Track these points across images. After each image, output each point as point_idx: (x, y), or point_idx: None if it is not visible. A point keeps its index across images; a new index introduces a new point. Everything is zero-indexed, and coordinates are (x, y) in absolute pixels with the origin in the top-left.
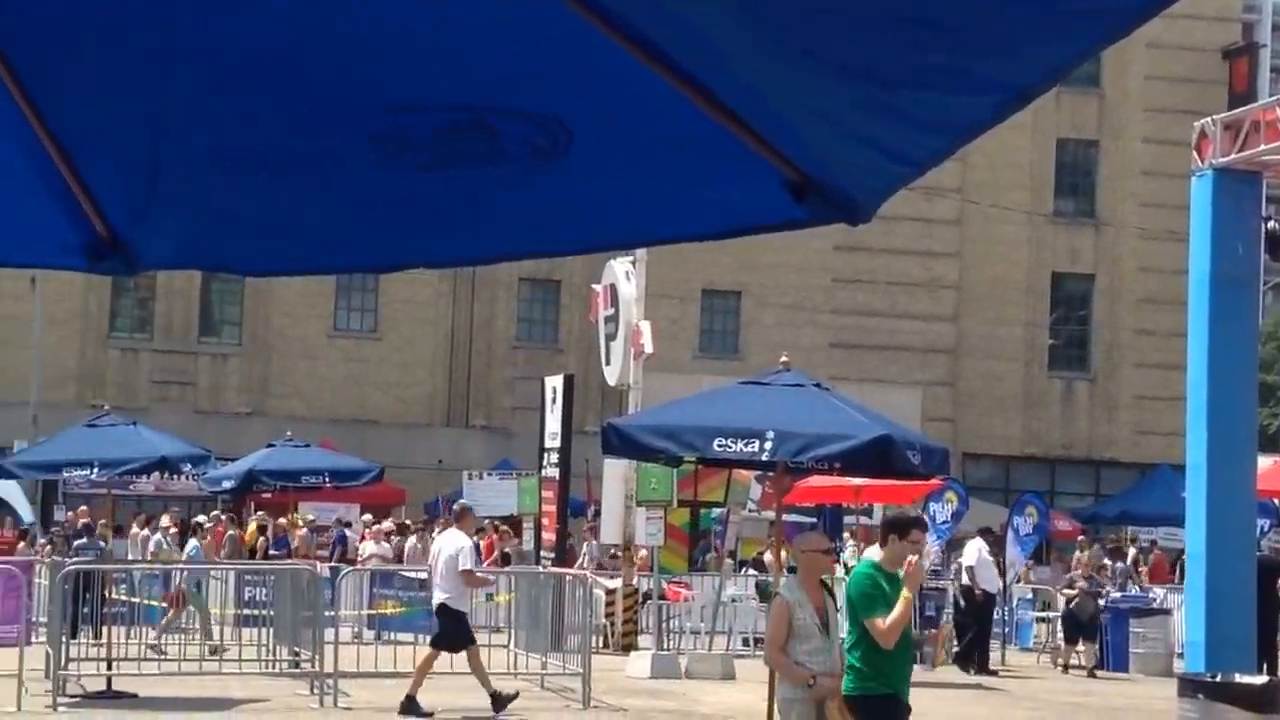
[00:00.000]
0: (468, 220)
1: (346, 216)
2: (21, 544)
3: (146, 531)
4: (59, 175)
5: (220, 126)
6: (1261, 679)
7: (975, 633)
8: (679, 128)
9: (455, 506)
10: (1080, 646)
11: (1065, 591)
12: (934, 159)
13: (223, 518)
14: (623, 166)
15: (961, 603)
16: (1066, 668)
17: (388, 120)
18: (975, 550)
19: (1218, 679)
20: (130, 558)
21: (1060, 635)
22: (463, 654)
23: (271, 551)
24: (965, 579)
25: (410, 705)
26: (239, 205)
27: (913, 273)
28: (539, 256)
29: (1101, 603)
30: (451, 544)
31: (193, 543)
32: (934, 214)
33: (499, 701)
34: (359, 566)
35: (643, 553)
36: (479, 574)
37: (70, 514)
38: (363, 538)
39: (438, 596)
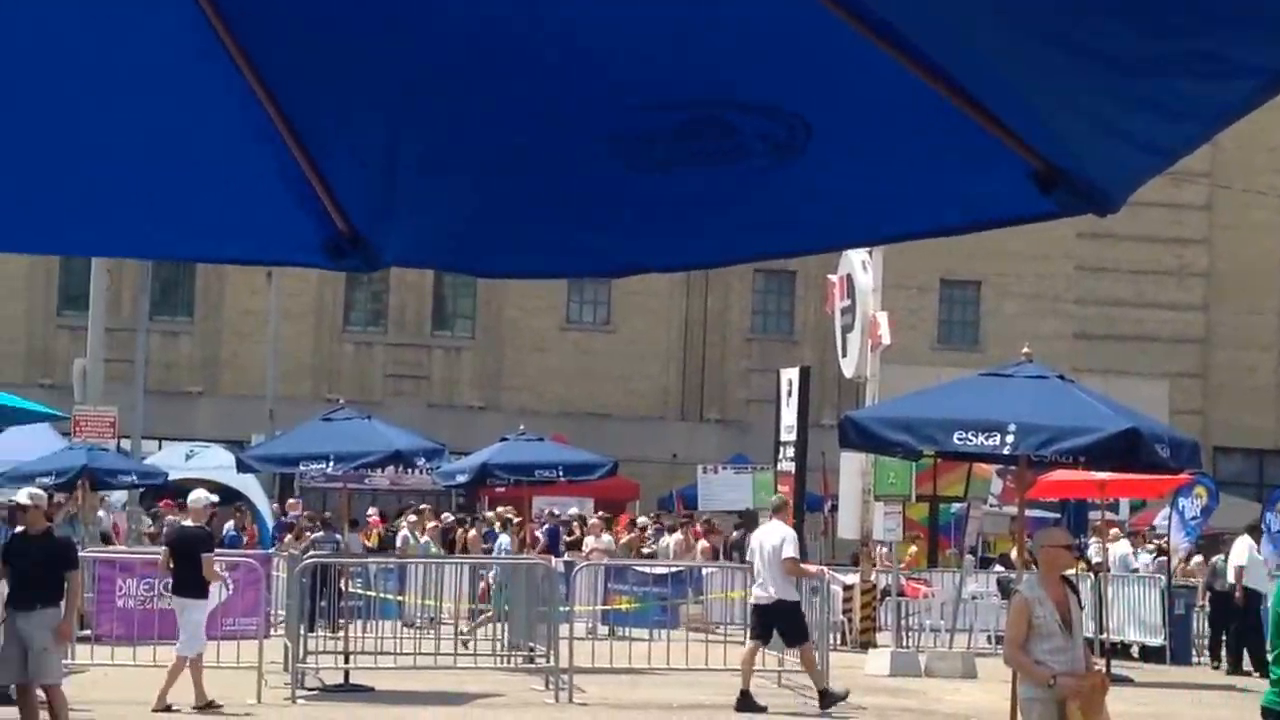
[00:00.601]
0: (704, 221)
1: (583, 220)
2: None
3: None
4: (301, 173)
5: (461, 124)
6: None
7: (1238, 631)
8: (922, 120)
9: (773, 500)
10: None
11: None
12: (1186, 147)
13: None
14: (864, 161)
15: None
16: None
17: (627, 119)
18: (1245, 549)
19: None
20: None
21: None
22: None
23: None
24: (1231, 578)
25: (826, 699)
26: (477, 204)
27: (1160, 260)
28: (777, 257)
29: None
30: (773, 535)
31: (504, 538)
32: (1182, 199)
33: (828, 699)
34: (590, 561)
35: (882, 549)
36: (804, 564)
37: (289, 504)
38: (574, 532)
39: (768, 592)
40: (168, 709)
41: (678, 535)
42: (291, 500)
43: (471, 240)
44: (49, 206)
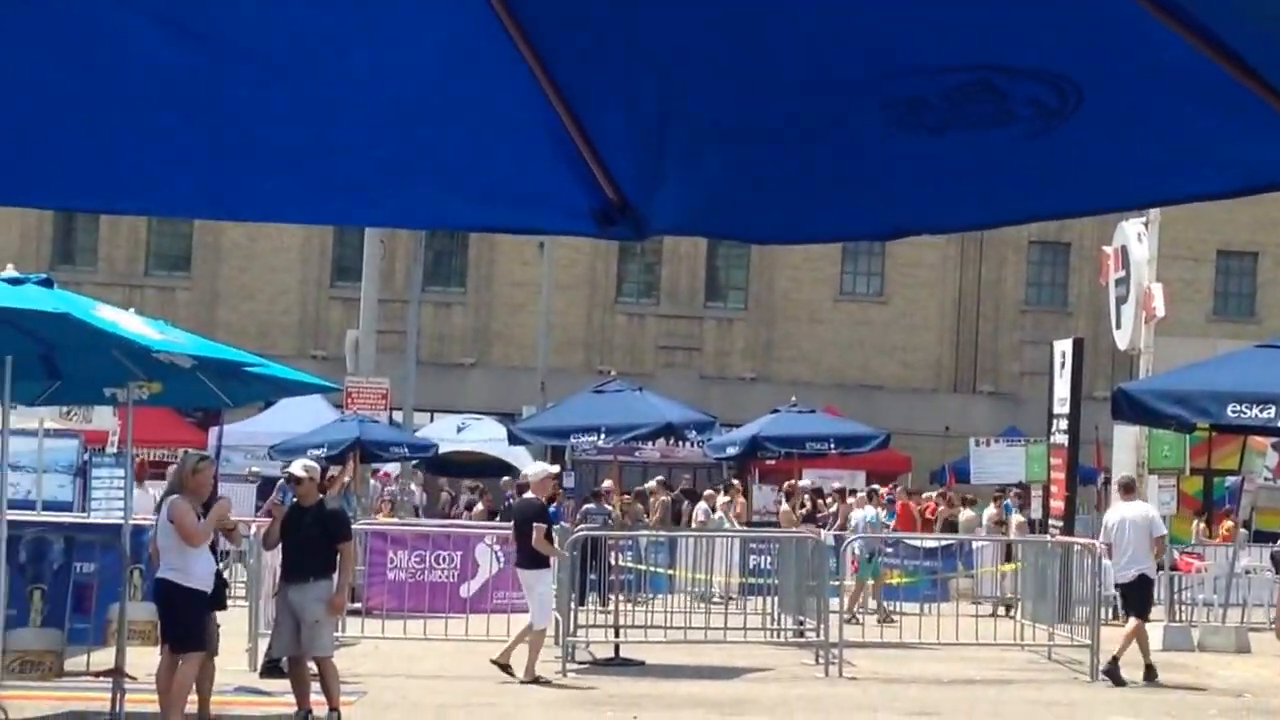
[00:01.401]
0: (974, 184)
1: (854, 183)
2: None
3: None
4: (571, 141)
5: (730, 90)
6: None
7: None
8: (1192, 83)
9: (1123, 478)
10: None
11: None
12: None
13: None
14: (1134, 125)
15: None
16: None
17: (898, 82)
18: None
19: None
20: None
21: None
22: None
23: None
24: None
25: (1149, 672)
26: (746, 171)
27: None
28: (1045, 219)
29: None
30: (1138, 512)
31: (870, 510)
32: None
33: (1150, 673)
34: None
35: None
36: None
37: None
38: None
39: (1133, 569)
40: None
41: (990, 509)
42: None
43: (741, 207)
44: (324, 177)
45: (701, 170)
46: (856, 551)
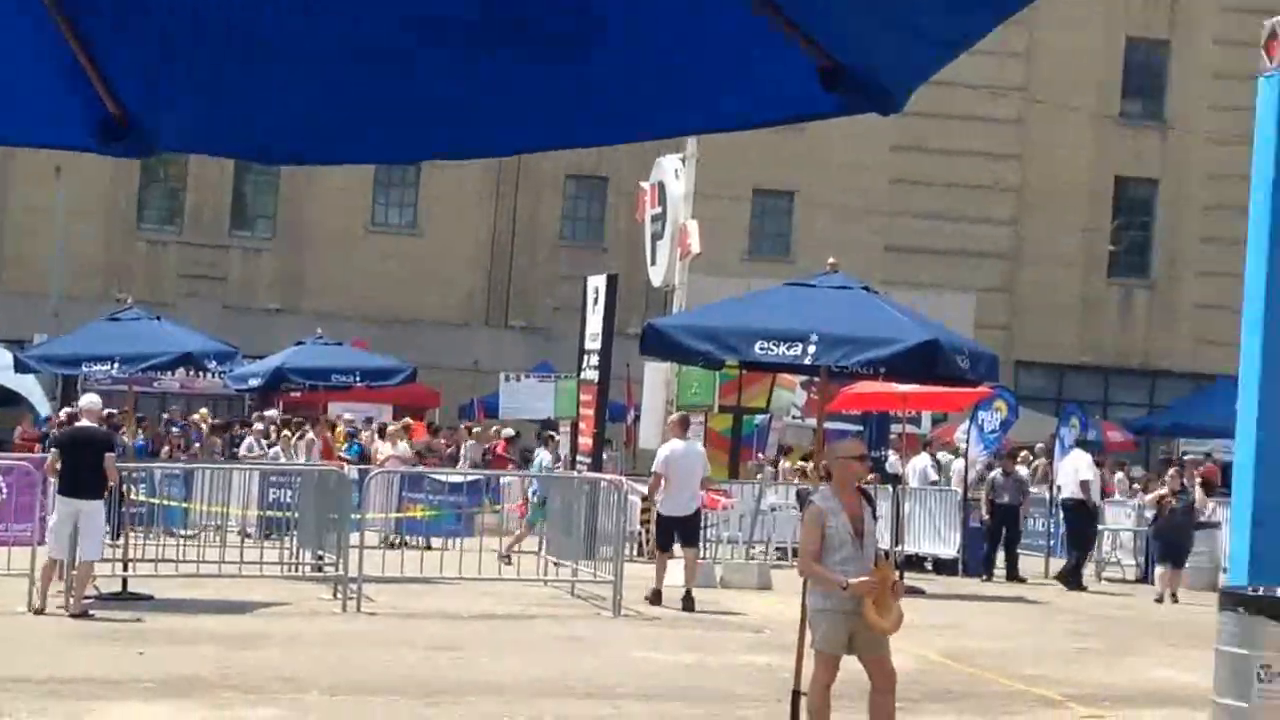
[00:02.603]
0: (496, 109)
1: (371, 103)
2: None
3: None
4: (70, 52)
5: (238, 6)
6: None
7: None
8: (711, 14)
9: (675, 417)
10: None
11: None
12: (972, 37)
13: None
14: (653, 54)
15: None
16: (1164, 597)
17: (419, 3)
18: (1088, 463)
19: (1260, 593)
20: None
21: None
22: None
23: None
24: (1078, 493)
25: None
26: (257, 88)
27: (972, 175)
28: (565, 147)
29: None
30: (693, 449)
31: (544, 454)
32: (996, 114)
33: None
34: (383, 468)
35: None
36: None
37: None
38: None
39: (694, 503)
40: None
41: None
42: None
43: (253, 125)
44: None
45: (208, 84)
46: (530, 496)
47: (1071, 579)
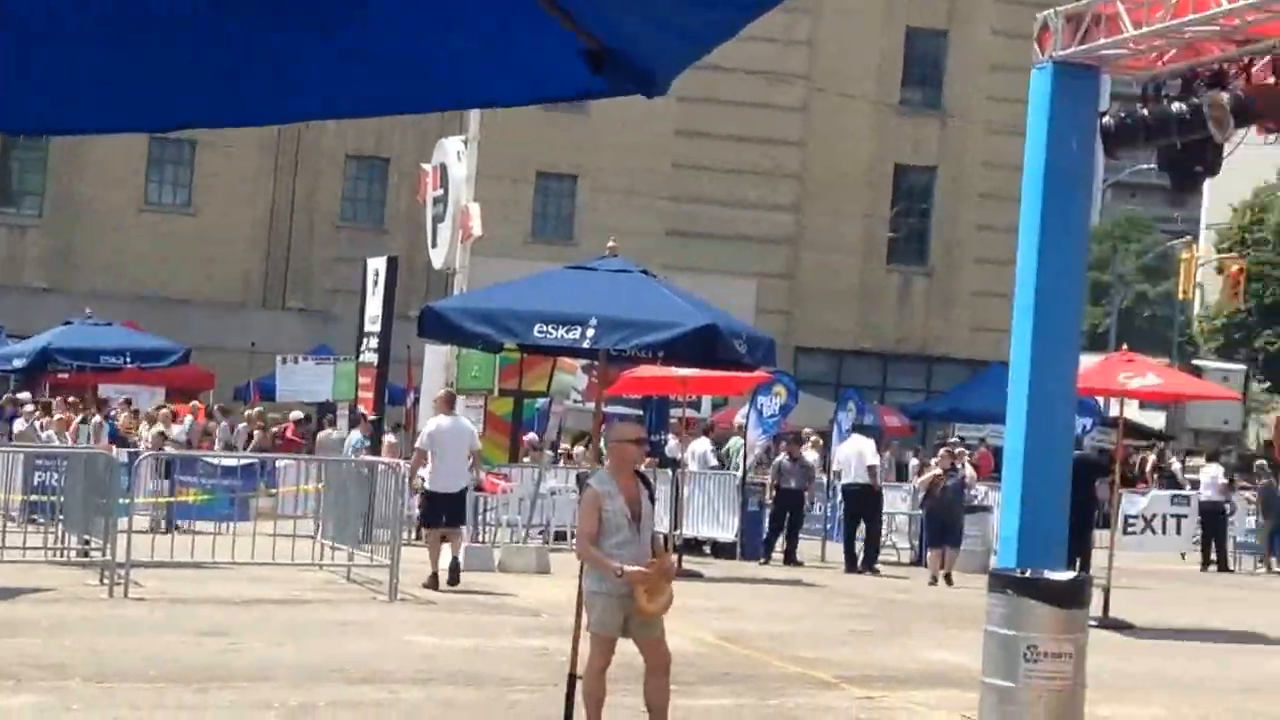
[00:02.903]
0: (257, 78)
1: (128, 71)
2: None
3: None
4: None
5: None
6: (1069, 575)
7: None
8: None
9: (442, 392)
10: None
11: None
12: (722, 35)
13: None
14: (419, 29)
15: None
16: (938, 579)
17: None
18: (873, 449)
19: (1027, 575)
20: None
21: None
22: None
23: None
24: (862, 477)
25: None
26: (6, 55)
27: (754, 161)
28: (327, 118)
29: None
30: (459, 425)
31: (355, 434)
32: (779, 100)
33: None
34: (153, 451)
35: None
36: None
37: None
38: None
39: (456, 481)
40: None
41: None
42: None
43: (3, 94)
44: None
45: None
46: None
47: (869, 562)
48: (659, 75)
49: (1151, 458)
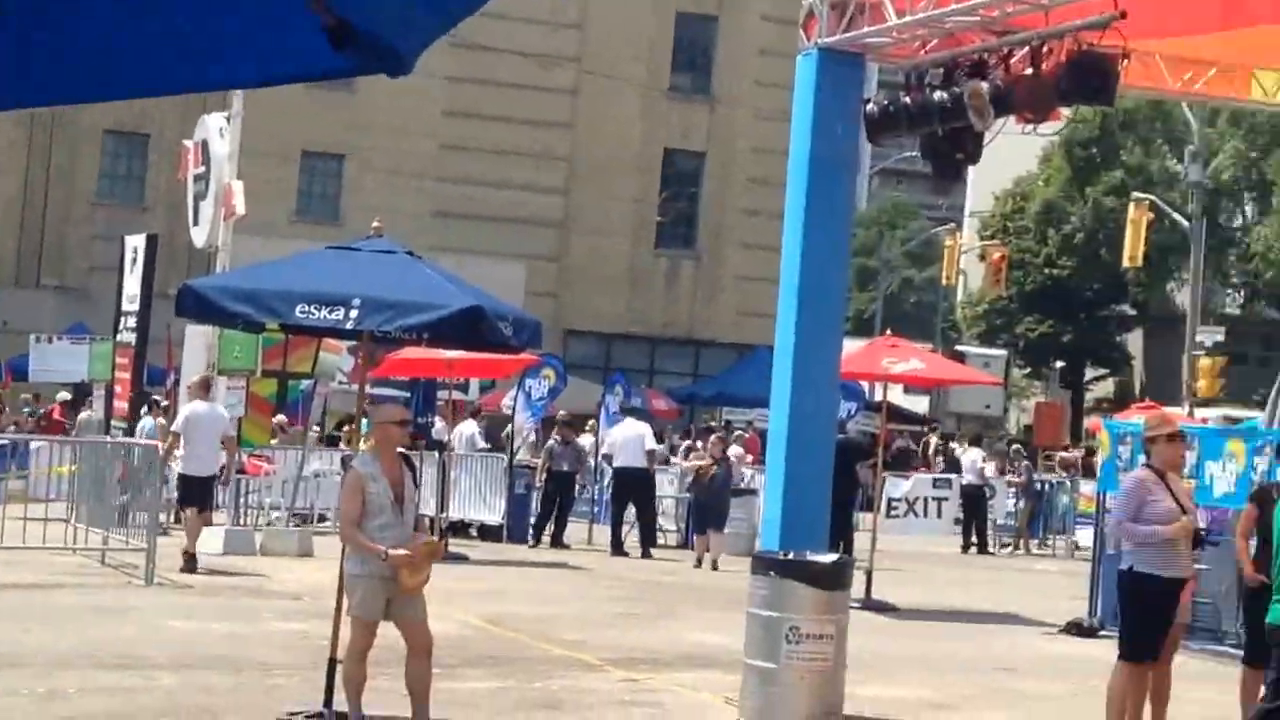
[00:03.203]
0: None
1: None
2: None
3: None
4: None
5: None
6: (831, 557)
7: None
8: None
9: (199, 377)
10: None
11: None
12: (467, 8)
13: None
14: (151, 8)
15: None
16: (703, 561)
17: None
18: (650, 433)
19: (789, 557)
20: None
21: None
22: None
23: None
24: (640, 461)
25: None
26: None
27: (524, 143)
28: (66, 103)
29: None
30: (212, 410)
31: (147, 420)
32: (550, 83)
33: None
34: None
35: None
36: None
37: None
38: None
39: (206, 466)
40: None
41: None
42: None
43: None
44: None
45: None
46: None
47: (646, 545)
48: (405, 52)
49: (934, 440)
